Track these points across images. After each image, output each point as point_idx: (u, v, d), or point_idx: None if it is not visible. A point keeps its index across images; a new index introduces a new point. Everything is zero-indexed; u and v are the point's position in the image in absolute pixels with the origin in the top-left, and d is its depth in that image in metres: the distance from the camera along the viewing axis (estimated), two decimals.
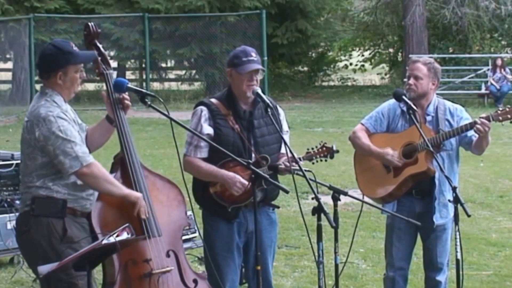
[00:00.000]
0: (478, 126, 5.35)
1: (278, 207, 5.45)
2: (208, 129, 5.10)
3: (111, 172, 4.92)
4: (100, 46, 5.04)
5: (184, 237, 6.61)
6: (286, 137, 5.08)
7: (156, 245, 4.81)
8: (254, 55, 5.12)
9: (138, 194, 4.74)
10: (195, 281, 4.97)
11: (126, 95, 4.87)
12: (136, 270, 4.74)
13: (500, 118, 5.41)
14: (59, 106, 4.67)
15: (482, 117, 5.37)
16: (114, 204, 4.80)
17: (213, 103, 5.19)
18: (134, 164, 4.84)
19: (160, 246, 4.82)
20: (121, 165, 4.88)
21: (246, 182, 4.96)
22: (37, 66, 4.85)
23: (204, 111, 5.14)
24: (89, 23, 5.04)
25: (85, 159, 4.59)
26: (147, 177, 4.90)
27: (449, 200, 5.33)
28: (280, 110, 5.23)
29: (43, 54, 4.79)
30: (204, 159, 5.12)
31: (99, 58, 4.97)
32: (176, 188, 5.05)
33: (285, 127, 5.24)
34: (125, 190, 4.72)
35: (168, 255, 4.86)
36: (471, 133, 5.51)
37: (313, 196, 4.54)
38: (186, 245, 7.10)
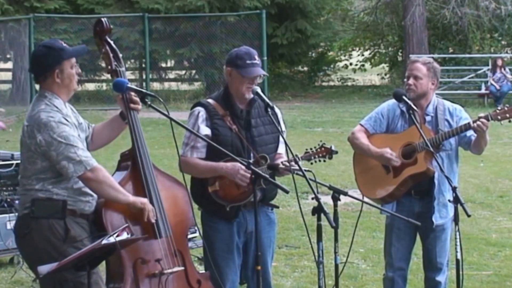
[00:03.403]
0: (477, 122, 5.35)
1: (277, 207, 5.45)
2: (205, 130, 5.07)
3: (119, 170, 4.88)
4: (111, 42, 4.95)
5: None
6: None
7: (166, 245, 4.81)
8: (257, 59, 5.10)
9: (144, 200, 4.70)
10: (198, 282, 4.96)
11: (134, 95, 4.83)
12: (146, 269, 4.73)
13: (499, 117, 5.42)
14: (59, 111, 4.59)
15: (481, 117, 5.37)
16: (124, 205, 4.76)
17: (210, 104, 5.16)
18: (146, 164, 4.81)
19: (170, 246, 4.82)
20: (132, 163, 4.83)
21: (247, 172, 4.90)
22: (32, 70, 4.75)
23: (202, 112, 5.12)
24: (102, 19, 4.94)
25: (88, 162, 4.53)
26: (156, 177, 4.88)
27: (449, 200, 5.33)
28: (277, 110, 5.16)
29: (35, 56, 4.71)
30: (202, 160, 5.10)
31: (111, 55, 4.90)
32: (183, 188, 5.03)
33: (282, 126, 5.20)
34: (131, 198, 4.67)
35: (175, 255, 4.86)
36: (470, 132, 5.51)
37: (313, 196, 4.54)
38: None
